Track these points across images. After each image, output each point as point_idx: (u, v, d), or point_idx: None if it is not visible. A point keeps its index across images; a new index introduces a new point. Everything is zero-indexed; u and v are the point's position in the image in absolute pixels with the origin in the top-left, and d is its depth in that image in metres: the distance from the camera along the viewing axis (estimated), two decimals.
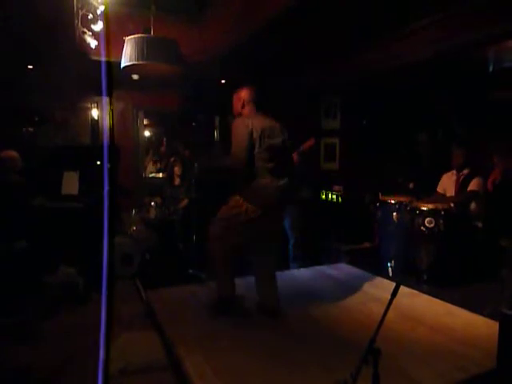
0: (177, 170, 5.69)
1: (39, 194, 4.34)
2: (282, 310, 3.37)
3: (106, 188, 1.89)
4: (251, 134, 3.15)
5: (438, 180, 4.86)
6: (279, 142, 3.29)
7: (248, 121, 3.21)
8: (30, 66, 4.99)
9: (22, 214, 3.88)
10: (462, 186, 4.52)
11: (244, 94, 3.39)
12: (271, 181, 3.18)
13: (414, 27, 4.33)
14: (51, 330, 3.17)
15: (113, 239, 1.87)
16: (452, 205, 4.27)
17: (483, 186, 4.36)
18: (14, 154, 4.15)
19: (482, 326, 3.10)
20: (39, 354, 2.79)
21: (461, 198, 4.46)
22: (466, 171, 4.54)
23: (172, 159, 6.01)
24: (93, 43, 3.45)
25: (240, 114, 3.38)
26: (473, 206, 4.41)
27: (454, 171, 4.67)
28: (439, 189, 4.80)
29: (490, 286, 3.81)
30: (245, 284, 3.99)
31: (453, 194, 4.59)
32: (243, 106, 3.37)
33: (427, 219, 4.09)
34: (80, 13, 3.17)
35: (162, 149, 7.04)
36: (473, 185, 4.40)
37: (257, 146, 3.16)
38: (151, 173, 6.92)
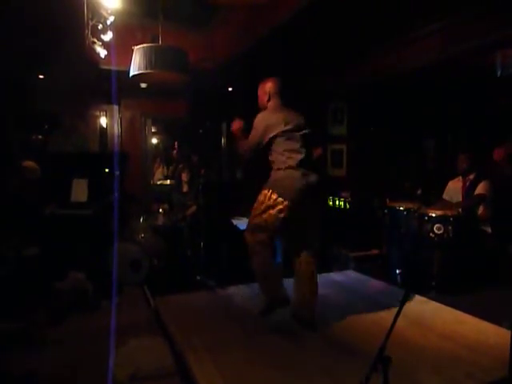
0: (184, 176, 5.72)
1: (51, 202, 4.38)
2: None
3: (116, 194, 1.92)
4: (270, 129, 3.13)
5: (445, 186, 4.84)
6: (303, 134, 3.23)
7: (270, 115, 3.21)
8: (41, 76, 5.06)
9: (35, 222, 3.93)
10: (468, 191, 4.50)
11: (269, 85, 3.35)
12: (297, 172, 3.11)
13: (420, 33, 4.35)
14: (60, 336, 3.19)
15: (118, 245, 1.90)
16: (460, 210, 4.25)
17: (491, 190, 4.33)
18: (34, 164, 4.20)
19: (491, 334, 3.07)
20: (47, 361, 2.80)
21: (468, 203, 4.43)
22: (471, 176, 4.52)
23: (180, 166, 6.04)
24: (102, 53, 3.50)
25: (265, 107, 3.34)
26: (481, 210, 4.38)
27: (460, 177, 4.65)
28: (445, 195, 4.78)
29: (499, 292, 3.78)
30: (251, 291, 4.00)
31: (460, 199, 4.56)
32: (269, 99, 3.33)
33: (436, 225, 4.07)
34: (90, 23, 3.23)
35: (174, 152, 7.05)
36: (480, 188, 4.37)
37: (280, 138, 3.13)
38: (159, 180, 6.96)
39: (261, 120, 3.22)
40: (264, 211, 3.12)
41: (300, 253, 3.26)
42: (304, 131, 3.24)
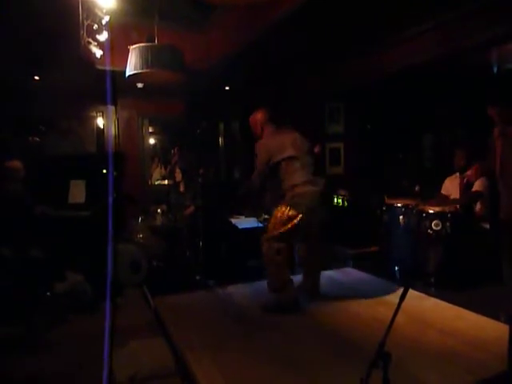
0: (177, 176, 5.70)
1: (42, 203, 4.35)
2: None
3: (112, 196, 1.91)
4: (271, 154, 3.44)
5: (442, 183, 4.84)
6: (302, 151, 3.53)
7: (269, 142, 3.52)
8: (36, 77, 5.04)
9: (22, 223, 3.89)
10: (465, 188, 4.49)
11: (259, 116, 3.64)
12: (307, 187, 3.44)
13: (416, 31, 4.35)
14: (59, 338, 3.18)
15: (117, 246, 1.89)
16: (458, 207, 4.25)
17: (488, 187, 4.33)
18: (17, 163, 4.19)
19: (490, 329, 3.07)
20: (47, 363, 2.80)
21: (465, 199, 4.43)
22: (469, 173, 4.51)
23: (175, 166, 6.04)
24: (98, 53, 3.50)
25: (261, 136, 3.62)
26: (478, 206, 4.38)
27: (457, 174, 4.64)
28: (443, 191, 4.78)
29: (498, 288, 3.78)
30: (250, 290, 4.00)
31: (457, 196, 4.56)
32: (262, 129, 3.62)
33: (434, 222, 4.07)
34: (85, 23, 3.22)
35: (174, 158, 6.98)
36: (477, 185, 4.37)
37: (284, 162, 3.44)
38: (157, 180, 6.95)
39: (262, 148, 3.55)
40: (282, 225, 3.41)
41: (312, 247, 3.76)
42: (303, 149, 3.54)
